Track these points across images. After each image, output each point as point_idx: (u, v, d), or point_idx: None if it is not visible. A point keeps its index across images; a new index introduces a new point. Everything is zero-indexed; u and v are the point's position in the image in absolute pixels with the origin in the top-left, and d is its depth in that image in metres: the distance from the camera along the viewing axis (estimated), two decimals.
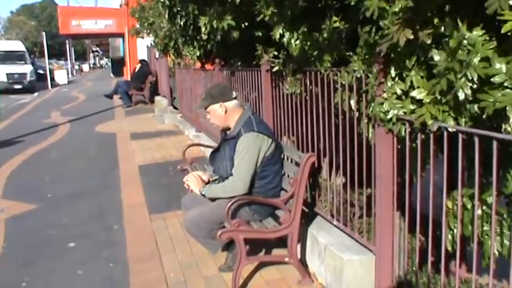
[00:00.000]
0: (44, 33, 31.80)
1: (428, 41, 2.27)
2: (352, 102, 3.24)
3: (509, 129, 2.06)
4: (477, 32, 2.09)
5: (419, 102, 2.51)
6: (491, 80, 2.04)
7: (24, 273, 4.15)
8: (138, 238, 4.80)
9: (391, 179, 2.97)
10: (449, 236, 2.66)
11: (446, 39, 2.21)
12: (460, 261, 2.65)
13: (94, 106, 16.63)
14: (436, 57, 2.27)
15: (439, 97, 2.32)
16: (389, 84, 2.67)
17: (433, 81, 2.33)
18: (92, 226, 5.21)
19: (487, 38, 2.08)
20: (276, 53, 4.36)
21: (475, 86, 2.07)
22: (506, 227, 2.53)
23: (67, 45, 41.40)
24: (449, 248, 2.66)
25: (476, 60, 2.04)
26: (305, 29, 3.66)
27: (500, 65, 2.03)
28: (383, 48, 2.47)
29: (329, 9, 3.55)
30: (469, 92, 2.09)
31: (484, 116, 2.12)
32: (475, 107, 2.16)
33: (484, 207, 2.55)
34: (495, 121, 2.15)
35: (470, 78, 2.05)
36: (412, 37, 2.29)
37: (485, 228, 2.56)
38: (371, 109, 2.87)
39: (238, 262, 3.50)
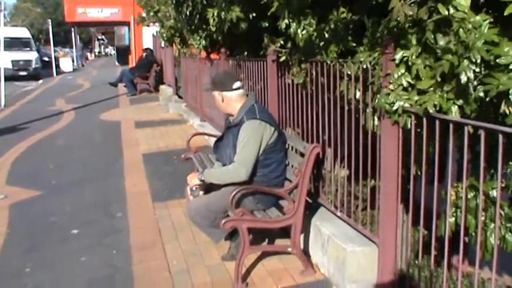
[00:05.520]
0: (49, 20, 31.75)
1: (425, 17, 2.25)
2: (358, 93, 3.23)
3: (507, 111, 2.05)
4: (481, 17, 2.08)
5: (424, 93, 2.50)
6: (497, 61, 2.03)
7: (28, 259, 4.17)
8: (141, 226, 4.82)
9: (396, 171, 2.97)
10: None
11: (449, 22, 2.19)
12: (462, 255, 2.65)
13: (99, 94, 16.64)
14: (441, 42, 2.26)
15: (439, 79, 2.30)
16: (395, 75, 2.65)
17: (436, 65, 2.32)
18: (95, 213, 5.23)
19: (492, 20, 2.07)
20: (282, 43, 4.34)
21: (477, 70, 2.06)
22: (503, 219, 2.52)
23: (72, 33, 41.36)
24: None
25: (480, 43, 2.04)
26: (312, 20, 3.64)
27: (508, 48, 2.03)
28: (383, 27, 2.46)
29: (337, 0, 3.53)
30: (471, 75, 2.08)
31: (487, 99, 2.11)
32: (481, 90, 2.14)
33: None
34: (499, 105, 2.13)
35: (473, 60, 2.05)
36: (411, 13, 2.27)
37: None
38: (377, 101, 2.85)
39: (241, 251, 3.51)
